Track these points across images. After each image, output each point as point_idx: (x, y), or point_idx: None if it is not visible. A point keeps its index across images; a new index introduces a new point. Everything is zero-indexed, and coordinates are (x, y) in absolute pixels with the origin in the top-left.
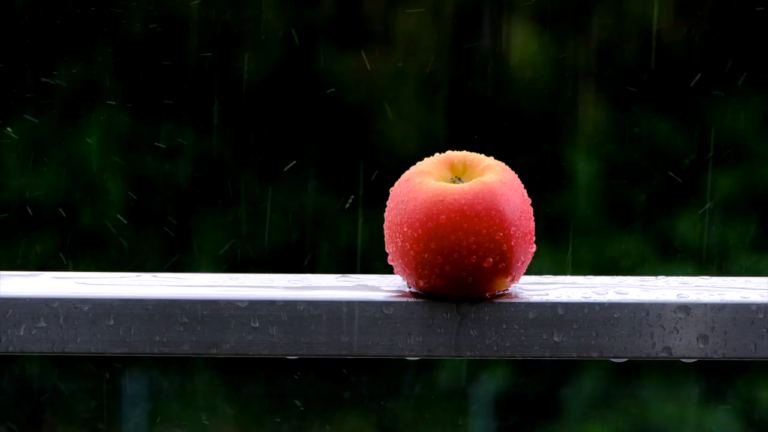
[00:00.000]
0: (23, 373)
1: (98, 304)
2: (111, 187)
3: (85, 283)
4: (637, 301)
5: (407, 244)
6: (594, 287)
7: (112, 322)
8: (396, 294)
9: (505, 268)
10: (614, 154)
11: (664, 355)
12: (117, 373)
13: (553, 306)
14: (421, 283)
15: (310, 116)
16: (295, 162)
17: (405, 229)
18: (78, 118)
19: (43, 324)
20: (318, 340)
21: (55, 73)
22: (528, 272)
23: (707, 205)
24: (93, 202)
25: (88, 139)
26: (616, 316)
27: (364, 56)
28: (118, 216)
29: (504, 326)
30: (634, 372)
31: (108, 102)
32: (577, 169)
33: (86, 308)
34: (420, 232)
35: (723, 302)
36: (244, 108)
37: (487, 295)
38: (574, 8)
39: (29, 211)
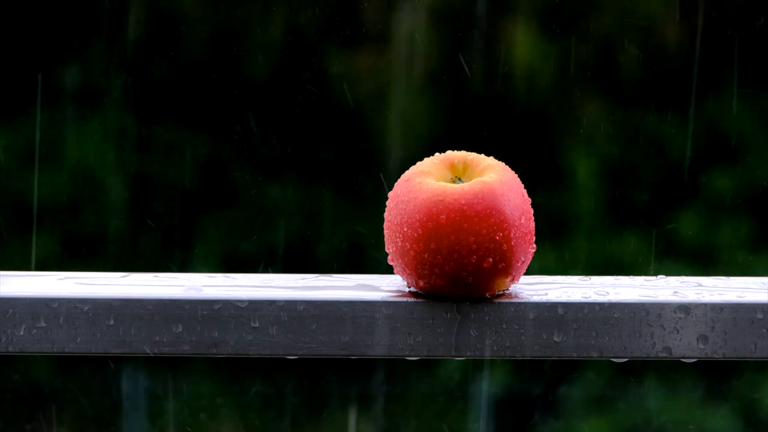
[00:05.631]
0: (23, 372)
1: (98, 304)
2: (111, 187)
3: (85, 283)
4: (637, 301)
5: (407, 244)
6: (594, 287)
7: (112, 322)
8: (396, 294)
9: (505, 268)
10: (614, 154)
11: (664, 355)
12: (117, 372)
13: (553, 306)
14: (421, 283)
15: (310, 116)
16: (294, 161)
17: (405, 229)
18: (78, 118)
19: (43, 324)
20: (318, 340)
21: (55, 73)
22: (528, 272)
23: (707, 205)
24: (93, 202)
25: (88, 139)
26: (616, 316)
27: (364, 56)
28: (119, 216)
29: (504, 326)
30: (634, 372)
31: (108, 102)
32: (577, 169)
33: (86, 308)
34: (420, 232)
35: (723, 302)
36: (244, 107)
37: (487, 295)
38: (574, 8)
39: (30, 211)
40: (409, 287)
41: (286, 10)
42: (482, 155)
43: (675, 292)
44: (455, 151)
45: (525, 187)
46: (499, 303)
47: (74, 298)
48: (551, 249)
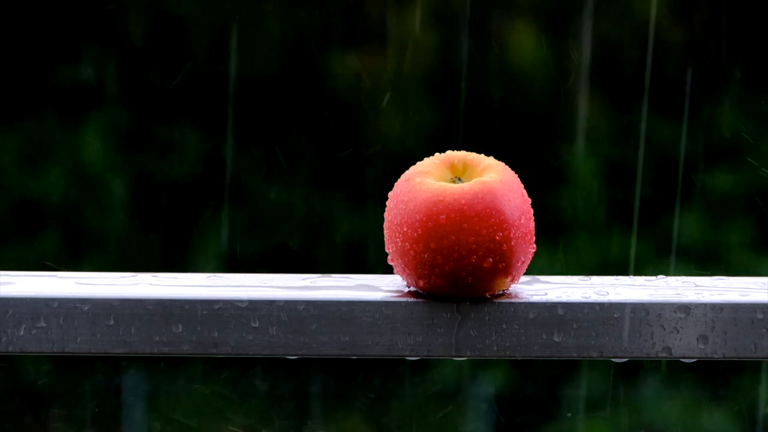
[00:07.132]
0: (23, 372)
1: (98, 304)
2: (111, 187)
3: (85, 283)
4: (637, 301)
5: (407, 244)
6: (594, 287)
7: (112, 322)
8: (396, 294)
9: (505, 268)
10: (613, 154)
11: (664, 355)
12: (117, 372)
13: (553, 306)
14: (421, 283)
15: (310, 115)
16: (295, 161)
17: (405, 229)
18: (79, 118)
19: (43, 324)
20: (318, 340)
21: (55, 73)
22: (528, 272)
23: (707, 205)
24: (93, 202)
25: (88, 139)
26: (616, 316)
27: (364, 56)
28: (119, 216)
29: (504, 326)
30: (634, 372)
31: (108, 102)
32: (577, 169)
33: (86, 308)
34: (420, 232)
35: (723, 302)
36: (244, 107)
37: (487, 295)
38: (574, 8)
39: (30, 211)
40: (409, 287)
41: (286, 9)
42: (482, 155)
43: (675, 292)
44: (455, 151)
45: (525, 188)
46: (499, 303)
47: (74, 298)
48: (552, 250)
